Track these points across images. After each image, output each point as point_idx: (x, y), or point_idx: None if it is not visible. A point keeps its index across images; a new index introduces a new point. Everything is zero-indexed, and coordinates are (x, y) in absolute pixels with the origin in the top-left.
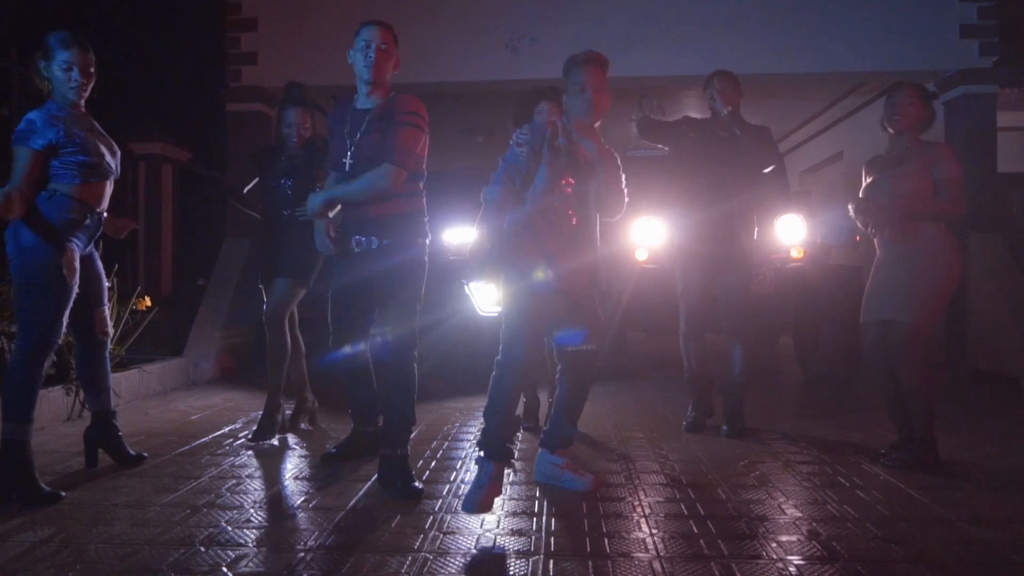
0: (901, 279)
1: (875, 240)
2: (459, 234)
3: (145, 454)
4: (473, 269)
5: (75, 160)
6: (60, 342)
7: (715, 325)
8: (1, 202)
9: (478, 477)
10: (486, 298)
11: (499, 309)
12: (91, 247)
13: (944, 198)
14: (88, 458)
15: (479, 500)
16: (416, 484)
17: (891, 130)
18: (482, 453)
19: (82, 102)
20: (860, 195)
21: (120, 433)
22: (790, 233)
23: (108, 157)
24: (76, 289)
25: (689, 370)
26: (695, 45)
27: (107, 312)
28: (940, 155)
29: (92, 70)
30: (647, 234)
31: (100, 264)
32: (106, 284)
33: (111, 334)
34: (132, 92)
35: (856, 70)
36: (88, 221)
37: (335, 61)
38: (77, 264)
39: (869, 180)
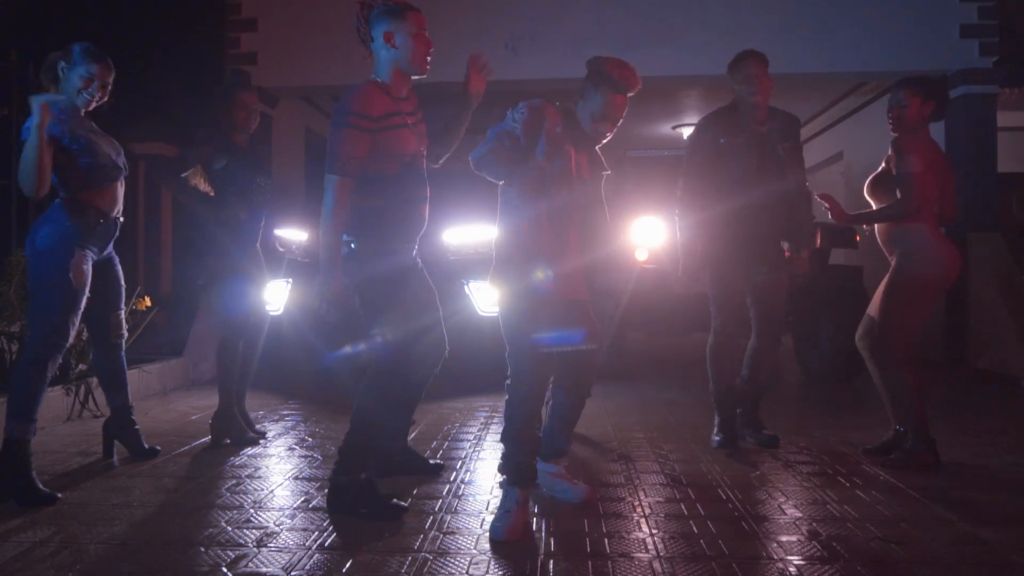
0: (887, 278)
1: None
2: (458, 234)
3: (158, 447)
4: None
5: (83, 163)
6: (68, 344)
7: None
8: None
9: (504, 503)
10: (486, 298)
11: (496, 312)
12: (110, 251)
13: (898, 197)
14: (105, 449)
15: (507, 527)
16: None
17: (890, 129)
18: (505, 479)
19: (84, 111)
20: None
21: (137, 427)
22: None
23: (115, 156)
24: (87, 293)
25: (718, 390)
26: (695, 45)
27: (123, 316)
28: (898, 149)
29: (109, 87)
30: (647, 234)
31: (119, 269)
32: (124, 288)
33: (126, 336)
34: (132, 92)
35: (856, 70)
36: (102, 227)
37: (335, 61)
38: (88, 269)
39: (871, 177)
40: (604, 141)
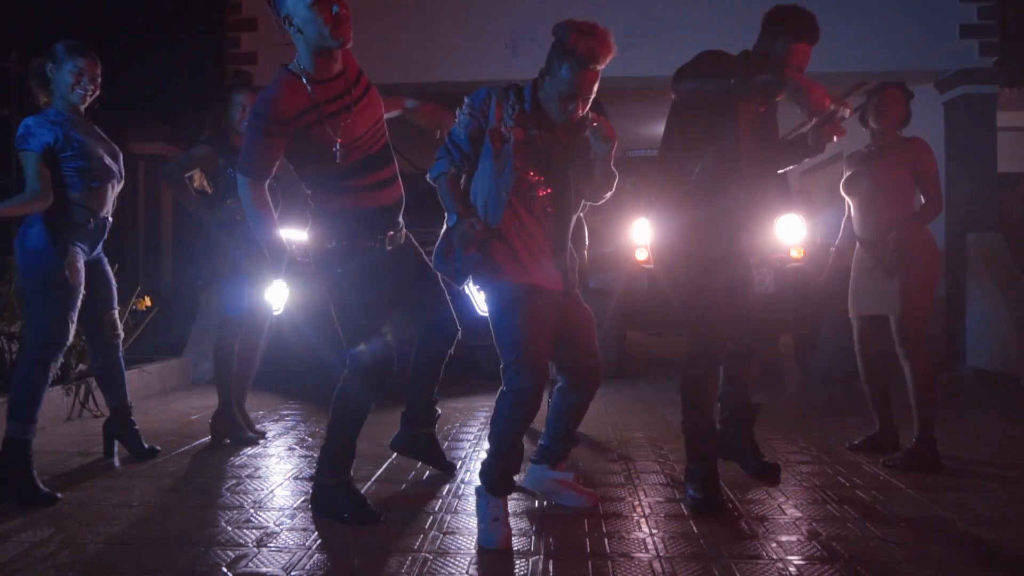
0: (910, 279)
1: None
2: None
3: (158, 447)
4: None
5: (75, 166)
6: (68, 343)
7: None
8: (28, 211)
9: (490, 511)
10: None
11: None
12: (99, 251)
13: (927, 198)
14: (106, 448)
15: (503, 535)
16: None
17: (875, 126)
18: (486, 488)
19: (82, 108)
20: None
21: (136, 427)
22: (790, 233)
23: (108, 160)
24: (82, 291)
25: (697, 421)
26: (695, 45)
27: (117, 315)
28: (920, 151)
29: (99, 80)
30: (647, 234)
31: (109, 268)
32: (115, 287)
33: (122, 336)
34: (132, 93)
35: (856, 70)
36: (91, 226)
37: None
38: (81, 266)
39: (849, 173)
40: (576, 120)
